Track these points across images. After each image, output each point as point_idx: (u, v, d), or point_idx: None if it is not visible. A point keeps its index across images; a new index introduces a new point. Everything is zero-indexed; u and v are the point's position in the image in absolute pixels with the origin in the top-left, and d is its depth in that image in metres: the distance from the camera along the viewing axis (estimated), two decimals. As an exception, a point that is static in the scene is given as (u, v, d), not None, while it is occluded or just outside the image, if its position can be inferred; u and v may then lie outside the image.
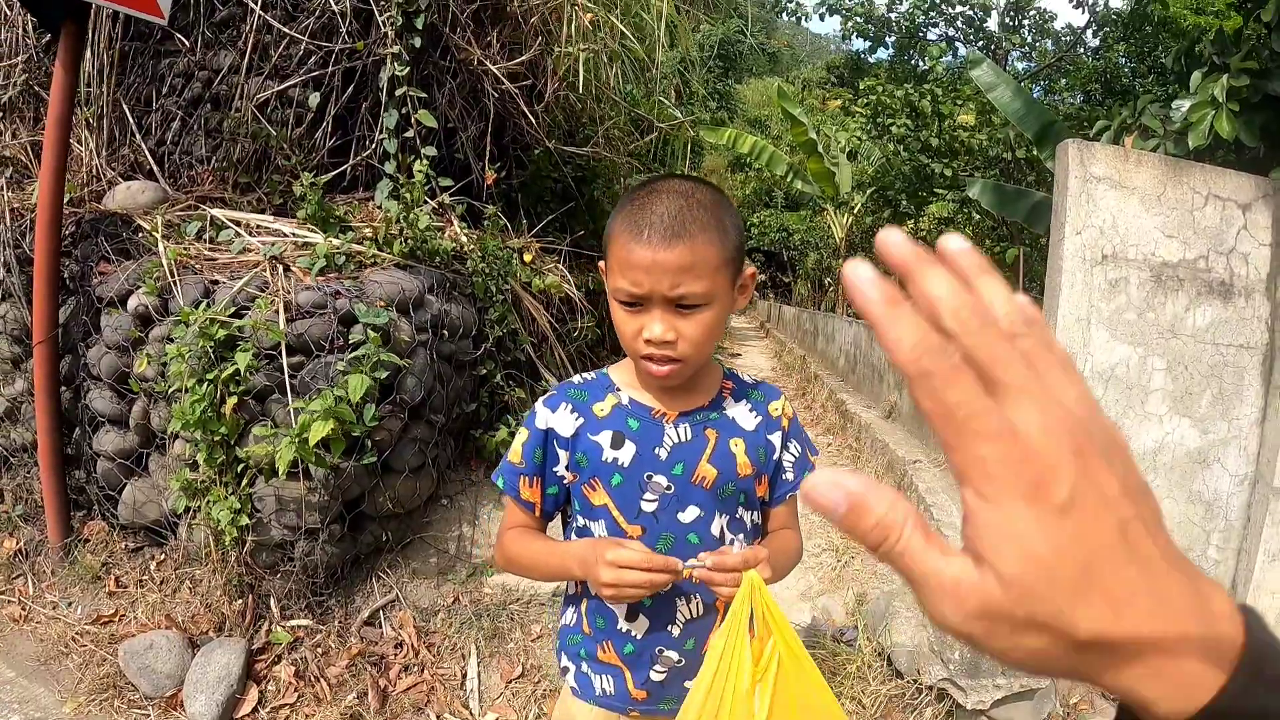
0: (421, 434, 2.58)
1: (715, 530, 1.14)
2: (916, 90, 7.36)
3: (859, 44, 11.85)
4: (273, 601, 2.54)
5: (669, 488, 1.11)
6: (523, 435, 1.17)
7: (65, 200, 2.98)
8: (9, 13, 3.65)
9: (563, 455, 1.15)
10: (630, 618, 1.16)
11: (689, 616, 1.15)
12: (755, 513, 1.21)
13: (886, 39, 11.73)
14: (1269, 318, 2.67)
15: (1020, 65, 12.18)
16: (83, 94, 3.41)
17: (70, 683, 2.53)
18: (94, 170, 3.24)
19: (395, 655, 2.47)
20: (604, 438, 1.12)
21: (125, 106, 3.29)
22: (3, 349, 3.24)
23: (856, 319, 7.37)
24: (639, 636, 1.16)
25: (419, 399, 2.49)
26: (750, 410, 1.18)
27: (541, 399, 1.19)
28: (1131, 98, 4.95)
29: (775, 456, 1.18)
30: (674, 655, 1.16)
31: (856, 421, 4.75)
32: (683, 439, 1.13)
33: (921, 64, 9.65)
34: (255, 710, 2.39)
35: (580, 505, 1.16)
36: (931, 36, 11.77)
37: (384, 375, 2.33)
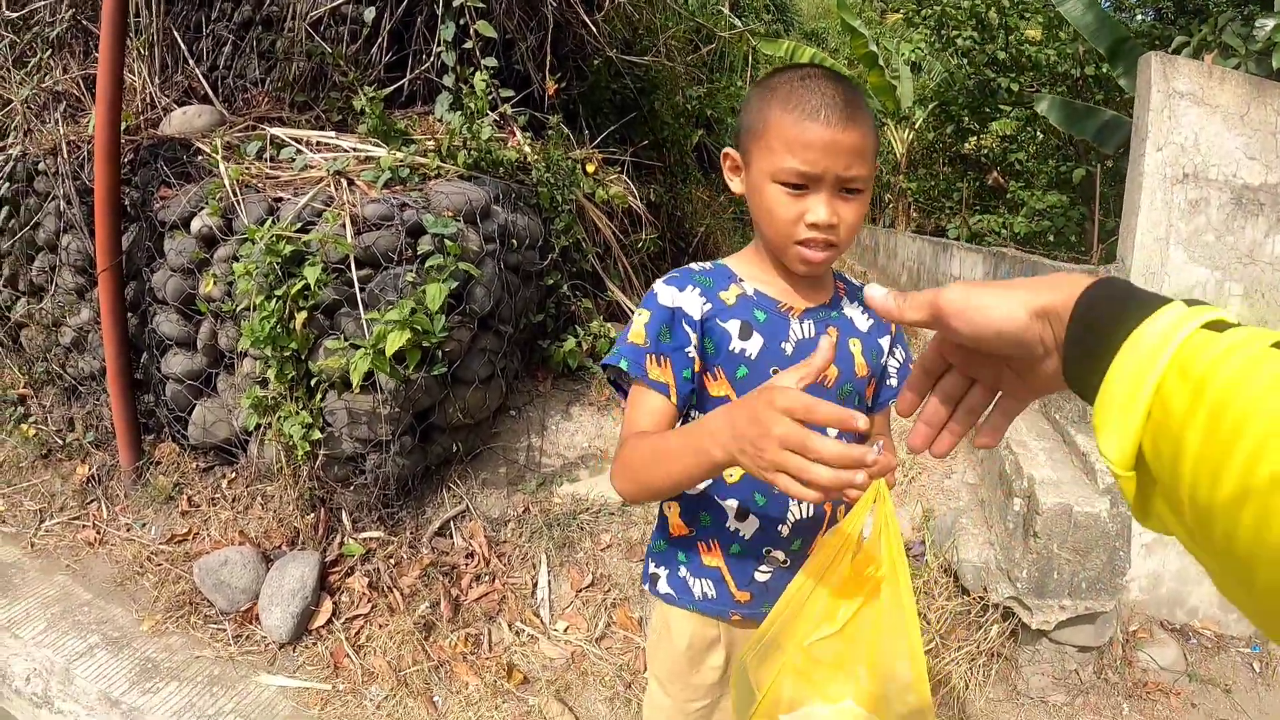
0: (490, 344, 2.57)
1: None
2: (983, 1, 7.10)
3: None
4: (345, 514, 2.57)
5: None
6: (644, 315, 1.07)
7: (122, 128, 2.98)
8: (52, -51, 3.63)
9: (692, 335, 1.05)
10: (740, 516, 1.11)
11: (798, 517, 1.12)
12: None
13: None
14: (1352, 245, 2.56)
15: None
16: (132, 24, 3.39)
17: (147, 602, 2.59)
18: (148, 98, 3.24)
19: (466, 565, 2.49)
20: (732, 326, 1.07)
21: (176, 34, 3.27)
22: (67, 280, 3.29)
23: (918, 234, 7.22)
24: (747, 536, 1.12)
25: (488, 309, 2.47)
26: (863, 311, 1.16)
27: (661, 281, 1.11)
28: (1208, 16, 4.72)
29: (883, 360, 1.16)
30: (780, 555, 1.13)
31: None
32: (807, 335, 1.09)
33: None
34: (330, 621, 2.43)
35: (697, 397, 1.10)
36: None
37: (455, 285, 2.31)
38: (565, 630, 2.37)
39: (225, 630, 2.47)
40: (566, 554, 2.49)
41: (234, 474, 2.85)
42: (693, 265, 1.16)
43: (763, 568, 1.14)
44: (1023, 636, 2.34)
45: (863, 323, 1.15)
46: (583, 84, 3.69)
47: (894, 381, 1.18)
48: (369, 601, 2.47)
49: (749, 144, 1.04)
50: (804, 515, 1.12)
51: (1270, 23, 3.17)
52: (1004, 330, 0.56)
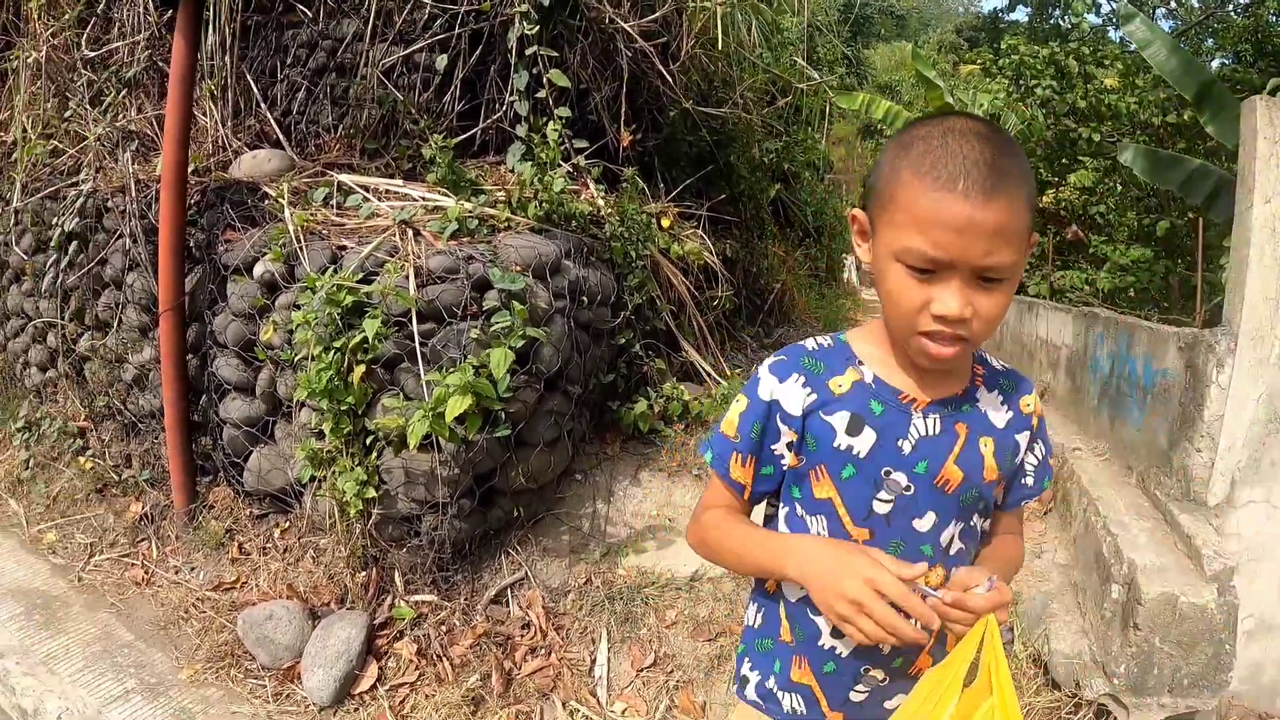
0: (557, 405, 2.48)
1: (945, 540, 0.98)
2: (1062, 49, 6.92)
3: (995, 1, 11.25)
4: (397, 575, 2.48)
5: (908, 488, 0.94)
6: (741, 404, 1.01)
7: (190, 170, 3.00)
8: (130, -8, 3.72)
9: (785, 433, 0.98)
10: (836, 634, 0.99)
11: None
12: (987, 520, 1.04)
13: None
14: None
15: (1165, 25, 11.39)
16: (206, 67, 3.45)
17: (188, 649, 2.53)
18: (220, 141, 3.27)
19: (522, 636, 2.37)
20: (839, 419, 0.96)
21: (250, 78, 3.31)
22: (131, 318, 3.31)
23: None
24: (843, 655, 1.01)
25: (555, 369, 2.38)
26: (1002, 403, 1.00)
27: (767, 364, 1.02)
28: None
29: (1019, 459, 1.01)
30: (879, 675, 1.01)
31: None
32: (931, 432, 0.95)
33: (1064, 21, 9.04)
34: (374, 687, 2.33)
35: (800, 494, 1.00)
36: None
37: (522, 345, 2.22)
38: (623, 712, 2.23)
39: (265, 687, 2.39)
40: (628, 630, 2.36)
41: (287, 524, 2.79)
42: (807, 343, 1.03)
43: (859, 687, 1.02)
44: None
45: (1000, 417, 0.99)
46: (658, 136, 3.63)
47: (1030, 480, 1.04)
48: (416, 669, 2.36)
49: (876, 210, 0.90)
50: None
51: None
52: None
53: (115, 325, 3.32)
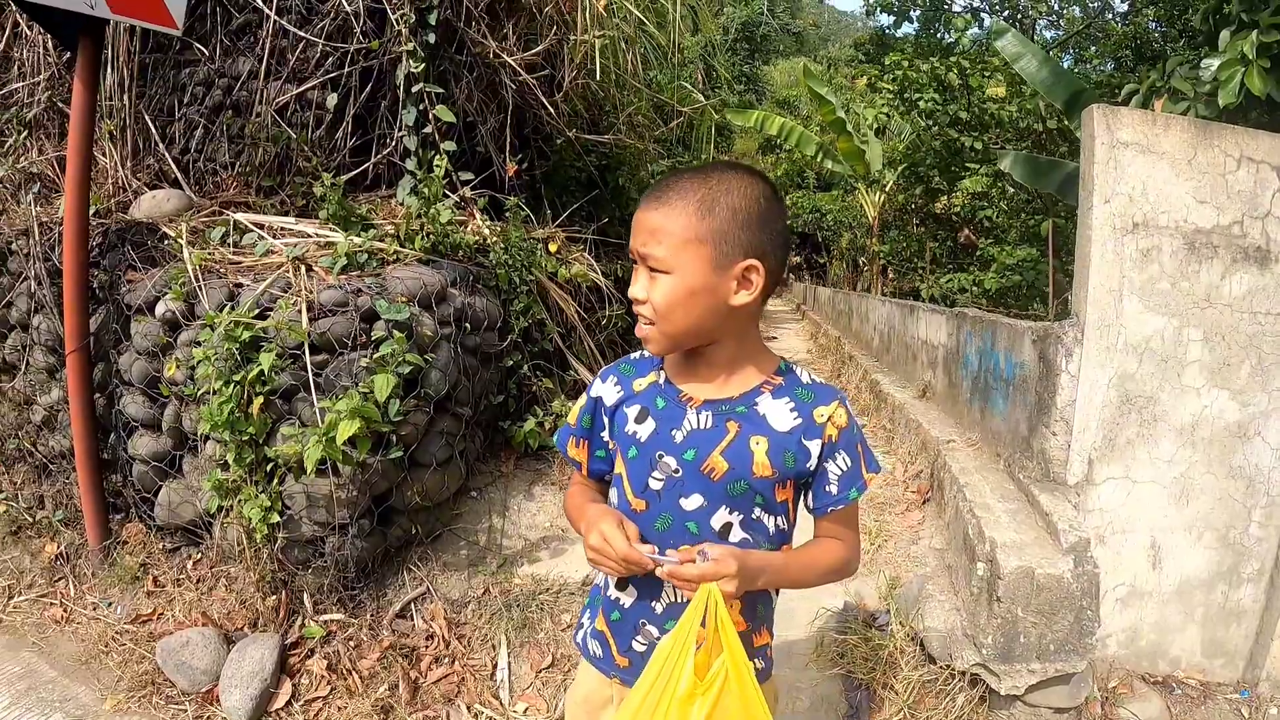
0: (448, 427, 2.60)
1: (717, 524, 1.13)
2: (943, 63, 7.25)
3: (884, 19, 11.64)
4: (306, 596, 2.57)
5: (676, 470, 1.13)
6: (581, 401, 1.28)
7: (92, 212, 3.04)
8: (29, 32, 3.73)
9: (606, 423, 1.23)
10: (620, 586, 1.21)
11: (671, 600, 1.17)
12: (780, 518, 1.18)
13: (911, 13, 11.44)
14: (1309, 284, 2.58)
15: (1049, 34, 11.86)
16: (105, 107, 3.48)
17: (110, 680, 2.58)
18: (120, 181, 3.31)
19: (426, 647, 2.49)
20: (632, 410, 1.19)
21: (148, 117, 3.35)
22: (38, 359, 3.32)
23: (889, 299, 7.29)
24: (626, 606, 1.21)
25: (444, 393, 2.50)
26: (791, 410, 1.14)
27: (601, 370, 1.29)
28: (1161, 61, 4.81)
29: (810, 464, 1.14)
30: (654, 631, 1.19)
31: (890, 402, 4.69)
32: (702, 426, 1.13)
33: (947, 37, 9.48)
34: (289, 703, 2.42)
35: (612, 470, 1.24)
36: (957, 7, 11.45)
37: (409, 371, 2.34)
38: (525, 711, 2.37)
39: (186, 710, 2.46)
40: (527, 634, 2.49)
41: (199, 555, 2.86)
42: (633, 354, 1.28)
43: (639, 639, 1.20)
44: (994, 702, 2.30)
45: (783, 422, 1.13)
46: (546, 163, 3.77)
47: (834, 489, 1.15)
48: (328, 684, 2.46)
49: None
50: (676, 599, 1.17)
51: (1215, 62, 3.19)
52: None
53: (22, 367, 3.34)
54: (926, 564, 2.89)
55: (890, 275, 10.48)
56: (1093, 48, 9.25)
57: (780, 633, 2.65)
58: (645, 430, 1.16)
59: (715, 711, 0.99)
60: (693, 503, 1.13)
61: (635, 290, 1.11)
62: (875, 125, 10.35)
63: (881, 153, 10.47)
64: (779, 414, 1.14)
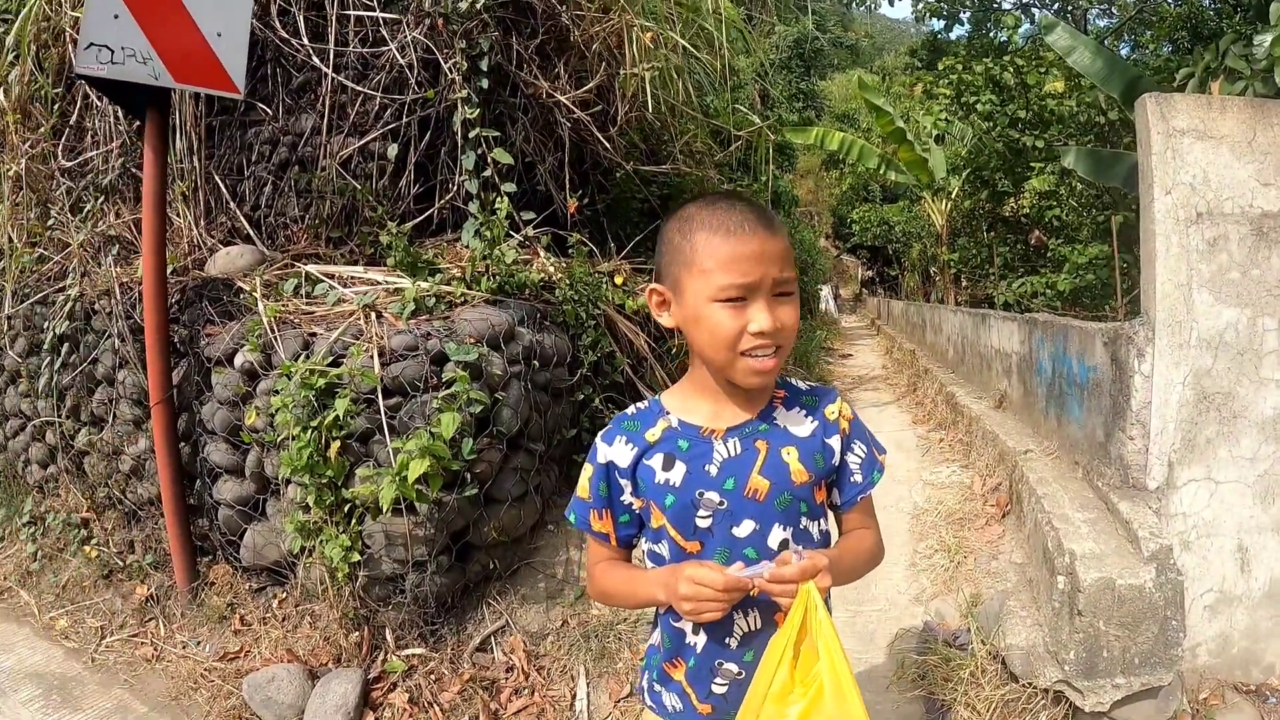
0: (522, 463, 2.68)
1: (774, 543, 1.16)
2: (997, 63, 7.16)
3: (935, 24, 11.49)
4: (387, 632, 2.66)
5: (721, 503, 1.15)
6: (587, 471, 1.24)
7: (169, 270, 3.21)
8: (100, 103, 3.96)
9: (625, 485, 1.21)
10: (695, 631, 1.20)
11: (746, 629, 1.18)
12: (822, 520, 1.22)
13: (961, 15, 11.31)
14: (1389, 260, 2.46)
15: (1101, 23, 11.57)
16: (176, 169, 3.68)
17: (199, 716, 2.69)
18: (194, 239, 3.49)
19: (506, 679, 2.55)
20: (656, 461, 1.18)
21: (218, 177, 3.54)
22: (124, 411, 3.51)
23: (961, 308, 7.18)
24: (699, 650, 1.20)
25: (516, 430, 2.58)
26: (805, 416, 1.20)
27: (600, 434, 1.26)
28: (1215, 40, 4.67)
29: (835, 460, 1.20)
30: (733, 668, 1.19)
31: (967, 414, 4.64)
32: (732, 453, 1.16)
33: (1000, 36, 9.37)
34: (372, 736, 2.50)
35: (646, 530, 1.23)
36: (1006, 5, 11.30)
37: (478, 410, 2.43)
38: (604, 741, 2.41)
39: (274, 745, 2.56)
40: (605, 665, 2.54)
41: (284, 594, 2.97)
42: (628, 410, 1.27)
43: (718, 680, 1.20)
44: (1080, 719, 2.25)
45: (802, 428, 1.19)
46: (606, 197, 3.85)
47: (858, 478, 1.22)
48: (410, 716, 2.53)
49: (679, 274, 1.12)
50: (751, 628, 1.18)
51: (1269, 37, 3.08)
52: None
53: (110, 420, 3.52)
54: (1007, 579, 2.85)
55: (964, 284, 10.29)
56: (1148, 33, 8.98)
57: (861, 654, 2.67)
58: (677, 475, 1.16)
59: (812, 711, 1.01)
60: (745, 529, 1.15)
61: (765, 322, 1.06)
62: (935, 132, 10.23)
63: (944, 159, 10.34)
64: (796, 422, 1.19)
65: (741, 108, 4.90)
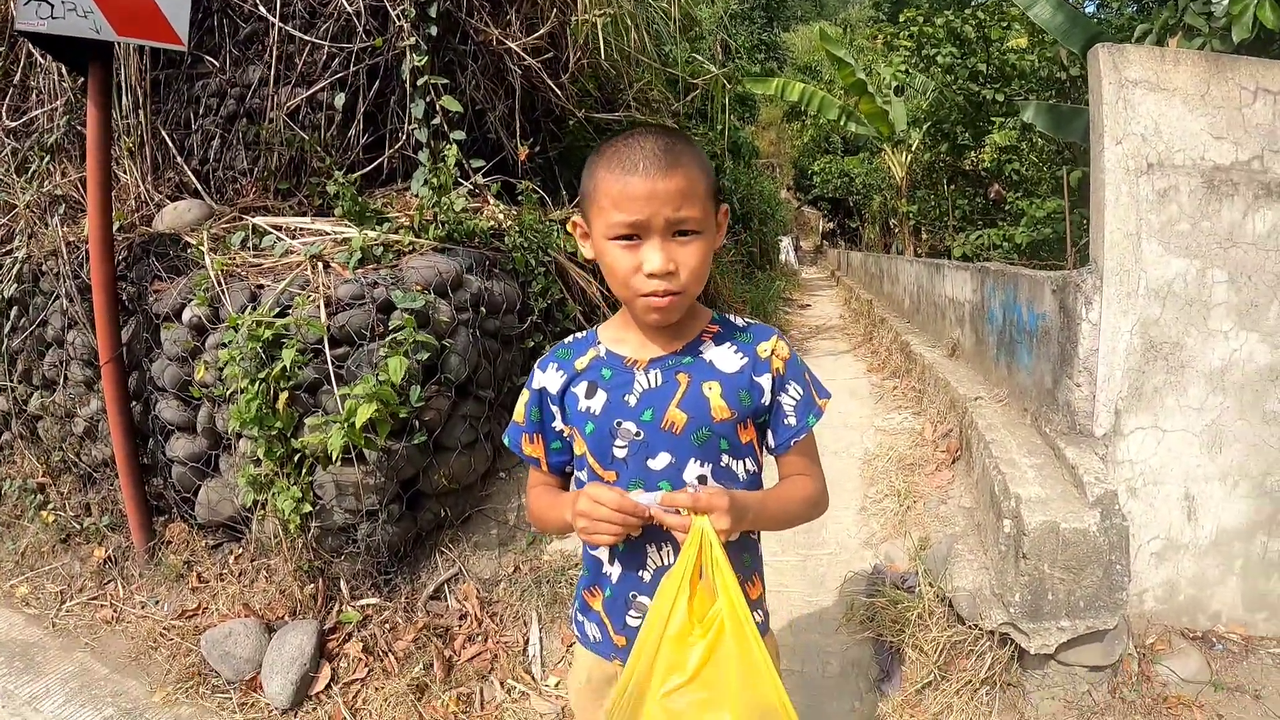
0: (471, 411, 2.65)
1: (691, 478, 1.13)
2: (958, 16, 7.10)
3: None
4: (342, 583, 2.65)
5: (638, 434, 1.13)
6: (524, 396, 1.24)
7: (116, 227, 3.14)
8: (43, 60, 3.84)
9: (556, 411, 1.20)
10: (610, 562, 1.19)
11: (659, 564, 1.16)
12: (749, 460, 1.18)
13: None
14: (1337, 216, 2.48)
15: None
16: (122, 125, 3.58)
17: (159, 674, 2.68)
18: (142, 195, 3.41)
19: (460, 626, 2.55)
20: (580, 389, 1.17)
21: (165, 131, 3.45)
22: (76, 373, 3.45)
23: (917, 259, 7.17)
24: (615, 581, 1.19)
25: (464, 377, 2.55)
26: (735, 352, 1.16)
27: (537, 361, 1.25)
28: (1175, -1, 4.65)
29: (765, 400, 1.16)
30: (647, 601, 1.15)
31: (920, 362, 4.66)
32: (652, 385, 1.13)
33: None
34: (328, 687, 2.49)
35: (574, 454, 1.23)
36: None
37: (425, 356, 2.39)
38: (556, 685, 2.41)
39: (231, 698, 2.55)
40: (557, 610, 2.54)
41: (240, 549, 2.95)
42: (566, 339, 1.26)
43: (632, 612, 1.19)
44: (1027, 662, 2.28)
45: (730, 363, 1.15)
46: (559, 145, 3.79)
47: (792, 420, 1.17)
48: (365, 666, 2.53)
49: (587, 208, 1.11)
50: (664, 562, 1.16)
51: None
52: None
53: (62, 382, 3.46)
54: (955, 523, 2.87)
55: (923, 236, 10.28)
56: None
57: (811, 597, 2.68)
58: (598, 403, 1.15)
59: (712, 656, 0.97)
60: (661, 462, 1.12)
61: (657, 262, 1.03)
62: (895, 85, 10.15)
63: (905, 112, 10.27)
64: (725, 358, 1.16)
65: (699, 56, 4.81)
